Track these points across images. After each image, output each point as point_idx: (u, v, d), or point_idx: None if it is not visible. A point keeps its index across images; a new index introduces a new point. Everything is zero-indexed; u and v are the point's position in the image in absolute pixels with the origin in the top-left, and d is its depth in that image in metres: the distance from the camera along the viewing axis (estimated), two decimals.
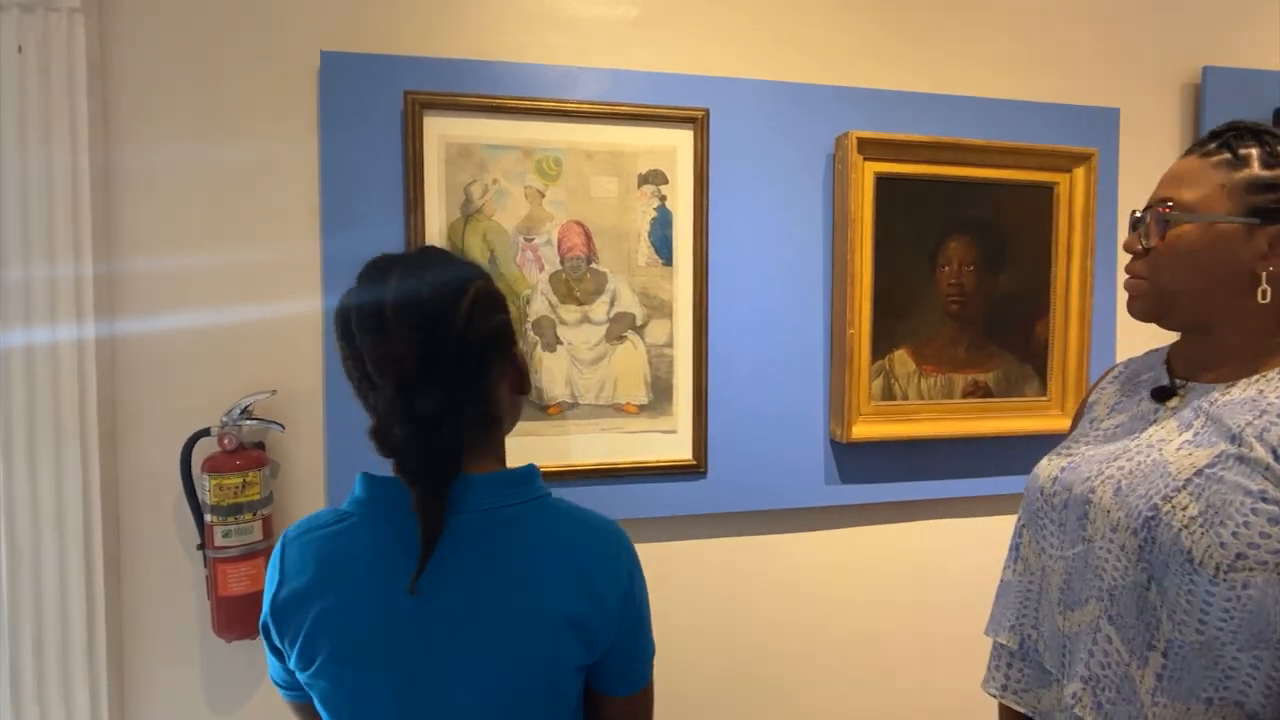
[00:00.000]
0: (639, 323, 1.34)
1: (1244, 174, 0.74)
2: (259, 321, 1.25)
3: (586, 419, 1.33)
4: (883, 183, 1.40)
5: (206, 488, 1.16)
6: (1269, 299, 0.74)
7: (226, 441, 1.17)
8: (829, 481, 1.45)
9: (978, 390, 1.49)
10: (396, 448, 0.66)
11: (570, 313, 1.32)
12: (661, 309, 1.35)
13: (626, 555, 0.74)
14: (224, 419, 1.18)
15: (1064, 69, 1.56)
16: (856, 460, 1.45)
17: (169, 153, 1.21)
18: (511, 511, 0.71)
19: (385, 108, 1.24)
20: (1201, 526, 0.68)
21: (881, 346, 1.43)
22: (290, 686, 0.77)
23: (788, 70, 1.41)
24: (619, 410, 1.35)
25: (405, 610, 0.67)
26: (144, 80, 1.20)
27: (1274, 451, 0.68)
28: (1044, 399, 1.52)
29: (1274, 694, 0.66)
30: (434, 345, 0.67)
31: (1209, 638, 0.67)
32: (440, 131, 1.25)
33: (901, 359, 1.44)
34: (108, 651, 1.18)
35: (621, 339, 1.34)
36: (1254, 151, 0.74)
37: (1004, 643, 0.88)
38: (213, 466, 1.16)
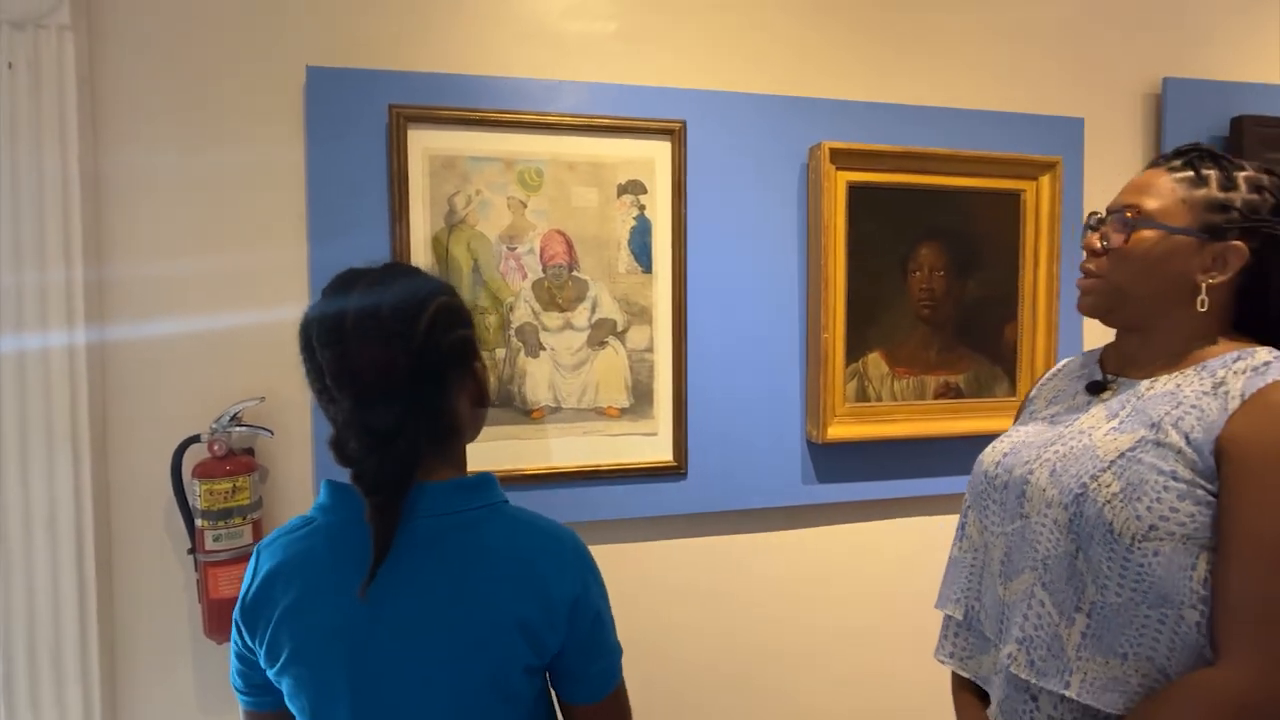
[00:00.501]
0: (620, 329, 1.38)
1: (1203, 193, 0.82)
2: (248, 329, 1.27)
3: (569, 422, 1.37)
4: (855, 191, 1.45)
5: (197, 493, 1.19)
6: (1205, 308, 0.82)
7: (216, 447, 1.20)
8: (806, 481, 1.49)
9: (949, 391, 1.54)
10: (353, 459, 0.69)
11: (553, 319, 1.35)
12: (642, 315, 1.39)
13: (580, 561, 0.77)
14: (214, 425, 1.21)
15: (1031, 81, 1.61)
16: (832, 460, 1.50)
17: (158, 165, 1.23)
18: (466, 517, 0.73)
19: (370, 121, 1.28)
20: (1121, 502, 0.76)
21: (855, 350, 1.47)
22: (248, 691, 0.78)
23: (762, 83, 1.46)
24: (601, 414, 1.38)
25: (359, 613, 0.69)
26: (133, 95, 1.23)
27: (1186, 437, 0.76)
28: (1014, 399, 1.57)
29: (1178, 648, 0.74)
30: (391, 360, 0.69)
31: (1126, 599, 0.75)
32: (424, 144, 1.29)
33: (875, 362, 1.49)
34: (100, 654, 1.20)
35: (603, 344, 1.38)
36: (1214, 174, 0.82)
37: (951, 614, 0.96)
38: (203, 472, 1.19)
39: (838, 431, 1.46)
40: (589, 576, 0.77)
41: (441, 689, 0.70)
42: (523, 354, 1.34)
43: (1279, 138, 1.66)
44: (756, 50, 1.46)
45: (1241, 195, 0.81)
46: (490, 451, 1.33)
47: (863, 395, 1.49)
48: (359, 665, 0.70)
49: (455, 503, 0.73)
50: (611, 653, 0.80)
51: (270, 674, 0.73)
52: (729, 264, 1.43)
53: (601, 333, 1.37)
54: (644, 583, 1.45)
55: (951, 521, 1.60)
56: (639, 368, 1.39)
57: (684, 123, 1.38)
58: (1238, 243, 0.80)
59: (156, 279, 1.24)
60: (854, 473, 1.51)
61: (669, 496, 1.42)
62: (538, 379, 1.35)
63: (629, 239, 1.38)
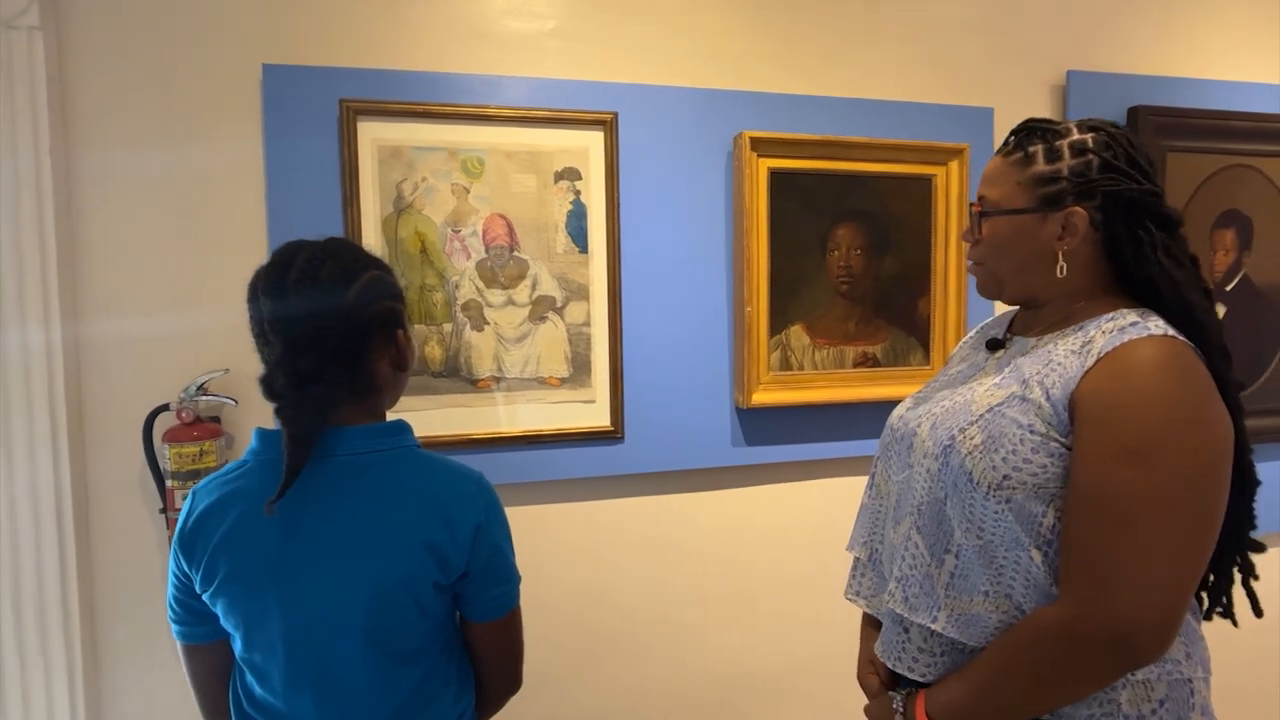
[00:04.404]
0: (559, 304, 1.50)
1: (1032, 170, 0.86)
2: (213, 307, 1.38)
3: (513, 391, 1.49)
4: (776, 177, 1.57)
5: (167, 456, 1.30)
6: (1066, 273, 0.87)
7: (184, 415, 1.31)
8: (735, 444, 1.62)
9: (867, 360, 1.68)
10: (278, 395, 0.80)
11: (496, 296, 1.47)
12: (579, 292, 1.51)
13: (483, 495, 0.88)
14: (182, 395, 1.32)
15: (943, 73, 1.74)
16: (758, 425, 1.63)
17: (126, 158, 1.34)
18: (380, 456, 0.85)
19: (323, 114, 1.39)
20: (981, 453, 0.82)
21: (778, 322, 1.61)
22: (183, 621, 0.89)
23: (689, 76, 1.58)
24: (543, 383, 1.51)
25: (286, 537, 0.81)
26: (101, 94, 1.33)
27: (1047, 394, 0.81)
28: (927, 367, 1.71)
29: (1031, 587, 0.81)
30: (323, 314, 0.81)
31: (985, 542, 0.82)
32: (373, 135, 1.40)
33: (797, 334, 1.62)
34: (80, 604, 1.32)
35: (543, 319, 1.50)
36: (1039, 149, 0.86)
37: (858, 555, 1.05)
38: (172, 437, 1.31)
39: (762, 398, 1.59)
40: (491, 510, 0.88)
41: (359, 598, 0.82)
42: (468, 328, 1.46)
43: (1172, 126, 1.80)
44: (684, 46, 1.58)
45: (1067, 162, 0.84)
46: (440, 418, 1.45)
47: (786, 365, 1.62)
48: (285, 582, 0.81)
49: (370, 443, 0.85)
50: (510, 580, 0.91)
51: (206, 596, 0.84)
52: (660, 244, 1.55)
53: (542, 308, 1.50)
54: (586, 538, 1.58)
55: None
56: (577, 340, 1.52)
57: (615, 114, 1.50)
58: (1075, 207, 0.84)
59: (128, 266, 1.35)
60: (779, 436, 1.65)
61: (608, 459, 1.55)
62: (483, 351, 1.47)
63: (566, 222, 1.50)
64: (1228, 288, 1.87)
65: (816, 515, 1.72)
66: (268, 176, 1.38)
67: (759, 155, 1.55)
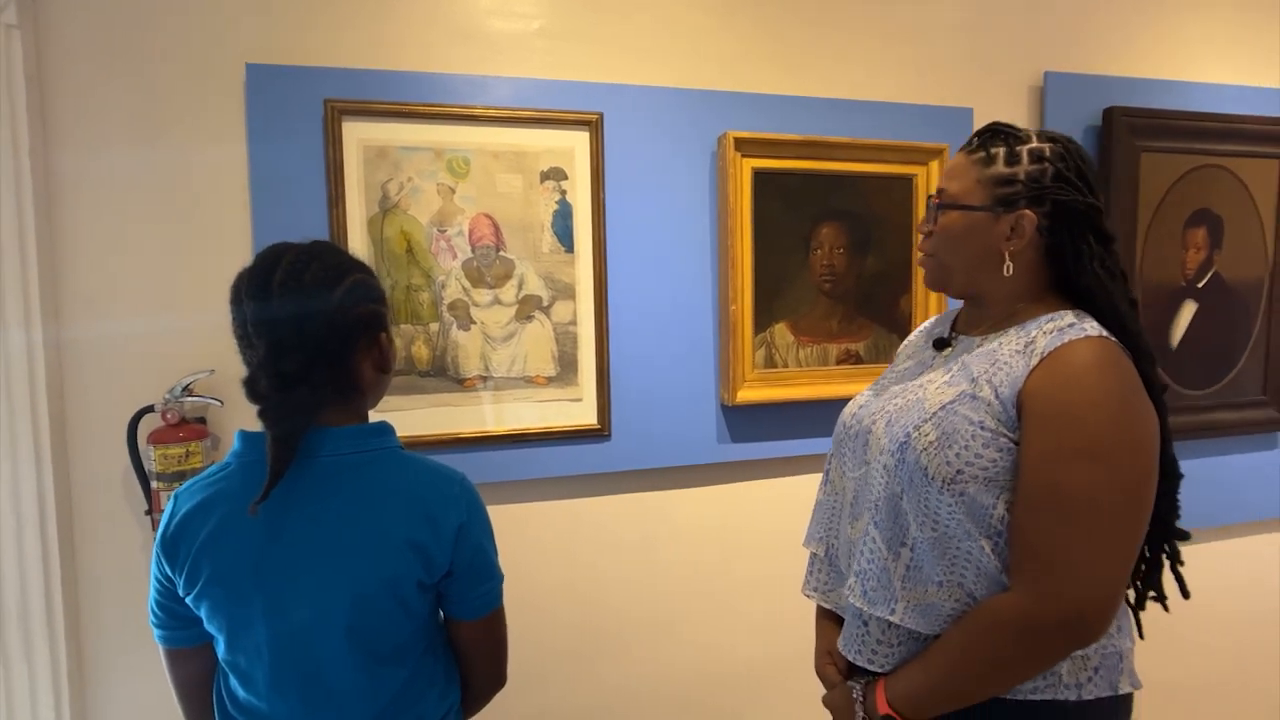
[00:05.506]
0: (545, 304, 1.51)
1: (992, 170, 0.91)
2: (198, 308, 1.37)
3: (500, 390, 1.50)
4: (760, 177, 1.59)
5: (152, 458, 1.30)
6: (1011, 273, 0.92)
7: (169, 415, 1.31)
8: (720, 441, 1.64)
9: (850, 358, 1.70)
10: (261, 396, 0.80)
11: (482, 295, 1.48)
12: (565, 291, 1.52)
13: (465, 495, 0.89)
14: (167, 396, 1.32)
15: (924, 74, 1.77)
16: (743, 421, 1.65)
17: (108, 158, 1.33)
18: (364, 457, 0.86)
19: (307, 114, 1.38)
20: (936, 449, 0.86)
21: (762, 321, 1.63)
22: (165, 625, 0.89)
23: (674, 77, 1.59)
24: (529, 382, 1.52)
25: (269, 539, 0.81)
26: (81, 93, 1.31)
27: (996, 391, 0.86)
28: None
29: (982, 577, 0.86)
30: (307, 316, 0.81)
31: (940, 535, 0.86)
32: (358, 135, 1.40)
33: (781, 331, 1.65)
34: (64, 605, 1.31)
35: (530, 318, 1.51)
36: (1000, 151, 0.91)
37: (814, 551, 1.08)
38: (157, 438, 1.30)
39: (747, 395, 1.61)
40: (474, 510, 0.89)
41: (344, 599, 0.82)
42: (455, 328, 1.47)
43: (1146, 126, 1.84)
44: (669, 47, 1.59)
45: (1024, 168, 0.89)
46: (426, 418, 1.46)
47: (770, 362, 1.64)
48: (269, 584, 0.82)
49: (354, 445, 0.86)
50: (493, 578, 0.93)
51: (189, 599, 0.84)
52: (646, 244, 1.57)
53: (528, 308, 1.50)
54: (573, 536, 1.60)
55: None
56: (564, 339, 1.53)
57: (601, 115, 1.51)
58: (1026, 211, 0.89)
59: (111, 266, 1.34)
60: (764, 433, 1.67)
61: (594, 456, 1.57)
62: (469, 351, 1.48)
63: (552, 222, 1.50)
64: (1200, 285, 1.91)
65: (802, 511, 1.72)
66: (252, 176, 1.37)
67: (743, 155, 1.57)
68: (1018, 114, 1.84)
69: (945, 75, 1.78)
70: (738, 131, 1.55)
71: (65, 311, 1.33)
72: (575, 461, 1.56)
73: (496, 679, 1.00)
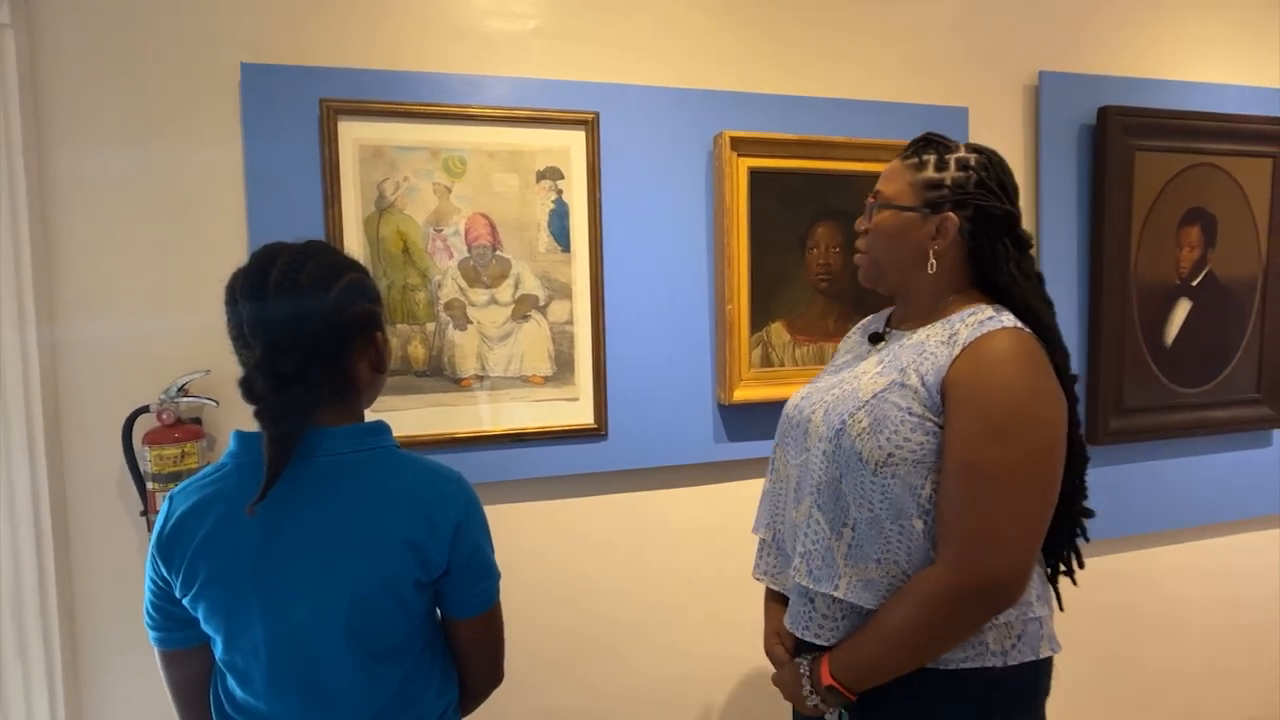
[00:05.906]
0: (541, 303, 1.51)
1: (922, 175, 0.99)
2: (193, 308, 1.37)
3: (497, 390, 1.50)
4: (756, 176, 1.59)
5: (148, 459, 1.29)
6: (935, 270, 0.99)
7: (165, 416, 1.30)
8: (717, 440, 1.64)
9: None
10: (258, 397, 0.80)
11: (478, 295, 1.48)
12: (562, 291, 1.52)
13: (462, 495, 0.89)
14: (162, 396, 1.31)
15: (920, 73, 1.77)
16: (740, 421, 1.65)
17: (102, 158, 1.32)
18: (361, 456, 0.85)
19: (303, 114, 1.38)
20: (869, 434, 0.93)
21: (759, 320, 1.63)
22: (160, 626, 0.88)
23: (670, 76, 1.59)
24: (526, 381, 1.52)
25: (266, 539, 0.81)
26: (74, 93, 1.31)
27: (922, 380, 0.93)
28: None
29: (914, 553, 0.92)
30: (303, 316, 0.81)
31: (875, 515, 0.93)
32: (354, 135, 1.39)
33: (777, 331, 1.65)
34: (59, 608, 1.31)
35: (526, 318, 1.51)
36: (931, 158, 0.99)
37: (762, 537, 1.13)
38: (153, 439, 1.30)
39: (744, 394, 1.61)
40: (471, 508, 0.90)
41: (342, 599, 0.82)
42: (451, 327, 1.47)
43: (1140, 125, 1.85)
44: (665, 46, 1.59)
45: (951, 174, 0.97)
46: (423, 417, 1.45)
47: (767, 361, 1.64)
48: (266, 584, 0.81)
49: (351, 444, 0.85)
50: (490, 576, 0.93)
51: (186, 601, 0.84)
52: (642, 243, 1.57)
53: (524, 307, 1.50)
54: (569, 536, 1.60)
55: None
56: (560, 339, 1.53)
57: (597, 114, 1.51)
58: (950, 214, 0.96)
59: (106, 266, 1.33)
60: (760, 432, 1.67)
61: (591, 456, 1.57)
62: (466, 350, 1.48)
63: (548, 221, 1.50)
64: (1194, 283, 1.92)
65: None
66: (247, 176, 1.37)
67: (739, 154, 1.57)
68: (1013, 113, 1.85)
69: (940, 75, 1.79)
70: (733, 131, 1.55)
71: (60, 312, 1.32)
72: (572, 461, 1.55)
73: (494, 676, 1.00)
